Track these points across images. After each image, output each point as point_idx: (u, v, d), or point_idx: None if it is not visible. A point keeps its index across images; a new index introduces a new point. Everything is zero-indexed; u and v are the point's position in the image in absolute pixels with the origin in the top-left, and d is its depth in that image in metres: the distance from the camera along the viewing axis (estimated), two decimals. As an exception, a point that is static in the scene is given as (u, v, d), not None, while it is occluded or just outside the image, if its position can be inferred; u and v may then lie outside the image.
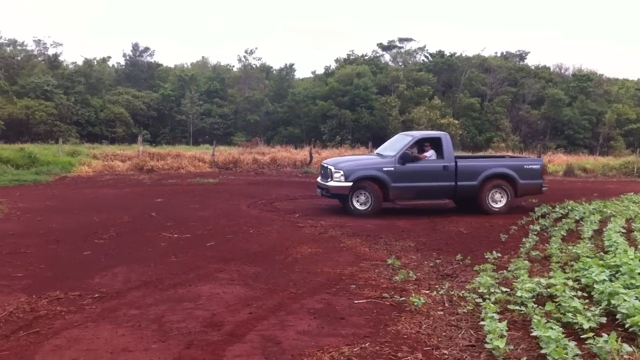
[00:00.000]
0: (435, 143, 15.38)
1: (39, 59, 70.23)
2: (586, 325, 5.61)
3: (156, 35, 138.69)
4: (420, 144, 15.52)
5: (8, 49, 67.18)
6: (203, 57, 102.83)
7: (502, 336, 5.30)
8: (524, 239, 10.89)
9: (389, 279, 8.21)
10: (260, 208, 15.93)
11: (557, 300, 6.49)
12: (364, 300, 7.09)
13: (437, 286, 7.74)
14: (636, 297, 6.19)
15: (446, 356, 5.32)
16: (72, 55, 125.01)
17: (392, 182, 14.80)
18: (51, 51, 70.05)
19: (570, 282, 7.16)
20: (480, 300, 6.86)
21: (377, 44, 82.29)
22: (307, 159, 32.44)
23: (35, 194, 18.88)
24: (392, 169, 14.86)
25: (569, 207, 15.36)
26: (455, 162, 15.07)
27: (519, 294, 6.74)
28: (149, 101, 66.45)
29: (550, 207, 15.31)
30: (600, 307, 6.27)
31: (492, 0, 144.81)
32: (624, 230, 11.66)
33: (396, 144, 15.96)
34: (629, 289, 6.53)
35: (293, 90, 71.08)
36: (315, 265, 9.10)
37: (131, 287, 7.64)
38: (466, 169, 15.20)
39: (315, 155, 33.07)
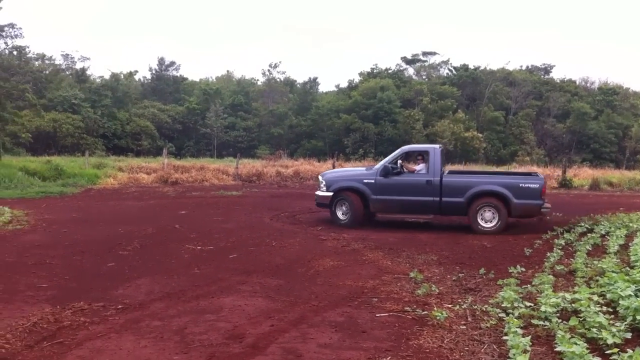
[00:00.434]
0: (425, 156, 15.04)
1: (67, 73, 71.46)
2: (611, 341, 5.53)
3: (163, 41, 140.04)
4: (414, 157, 15.43)
5: (37, 63, 68.31)
6: (228, 71, 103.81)
7: (525, 351, 5.24)
8: (548, 254, 10.76)
9: (411, 292, 8.16)
10: (283, 221, 15.97)
11: (581, 315, 6.40)
12: (386, 314, 7.05)
13: (459, 300, 7.67)
14: (662, 313, 6.10)
15: (468, 371, 5.28)
16: (99, 70, 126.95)
17: (373, 195, 14.88)
18: (79, 65, 71.35)
19: (595, 297, 7.06)
20: (503, 314, 6.79)
21: (401, 58, 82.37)
22: (330, 172, 32.39)
23: (61, 205, 19.11)
24: (373, 181, 14.96)
25: (595, 222, 15.14)
26: (441, 177, 14.57)
27: (543, 308, 6.67)
28: (174, 114, 67.13)
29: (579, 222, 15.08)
30: (626, 323, 6.18)
31: (519, 13, 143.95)
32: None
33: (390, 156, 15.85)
34: (655, 305, 6.43)
35: (317, 103, 71.31)
36: (337, 278, 9.08)
37: (154, 299, 7.68)
38: (452, 184, 14.63)
39: (338, 168, 33.06)
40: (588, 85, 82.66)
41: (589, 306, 6.56)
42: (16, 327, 6.31)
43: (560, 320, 6.32)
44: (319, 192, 15.62)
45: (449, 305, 7.42)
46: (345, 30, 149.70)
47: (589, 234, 13.33)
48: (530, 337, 5.68)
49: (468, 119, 67.78)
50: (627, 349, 5.19)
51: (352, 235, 13.31)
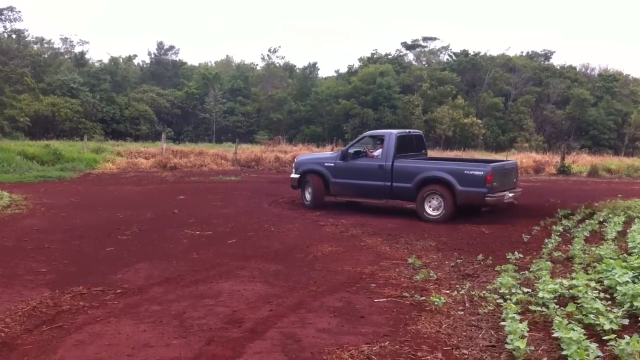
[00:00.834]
0: (382, 142, 15.07)
1: (66, 56, 71.27)
2: (608, 327, 5.56)
3: (160, 32, 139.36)
4: (376, 142, 15.59)
5: (35, 46, 68.07)
6: (227, 55, 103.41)
7: (522, 337, 5.27)
8: (546, 240, 10.77)
9: (409, 278, 8.19)
10: (282, 206, 15.99)
11: (579, 301, 6.42)
12: (384, 299, 7.08)
13: (457, 286, 7.70)
14: (660, 299, 6.13)
15: (466, 356, 5.30)
16: (98, 54, 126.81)
17: (332, 178, 15.32)
18: (77, 49, 71.16)
19: (592, 284, 7.09)
20: (501, 300, 6.81)
21: (401, 43, 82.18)
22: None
23: (60, 190, 19.11)
24: (333, 164, 15.41)
25: (593, 208, 15.13)
26: (392, 162, 14.50)
27: (540, 294, 6.69)
28: (173, 99, 67.00)
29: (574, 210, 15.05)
30: (623, 309, 6.20)
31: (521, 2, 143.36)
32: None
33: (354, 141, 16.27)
34: (652, 291, 6.45)
35: (316, 89, 71.18)
36: (335, 263, 9.11)
37: (153, 283, 7.70)
38: (402, 170, 14.40)
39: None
40: (588, 71, 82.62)
41: (586, 292, 6.59)
42: (15, 311, 6.33)
43: (557, 307, 6.34)
44: (292, 175, 16.47)
45: (447, 291, 7.45)
46: (345, 30, 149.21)
47: (587, 221, 13.35)
48: (527, 322, 5.69)
49: (467, 105, 67.73)
50: (625, 335, 5.20)
51: (350, 221, 13.32)
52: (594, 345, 5.00)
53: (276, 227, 12.39)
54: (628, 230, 11.42)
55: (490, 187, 13.36)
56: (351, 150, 15.20)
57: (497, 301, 6.82)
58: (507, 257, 9.39)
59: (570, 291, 6.91)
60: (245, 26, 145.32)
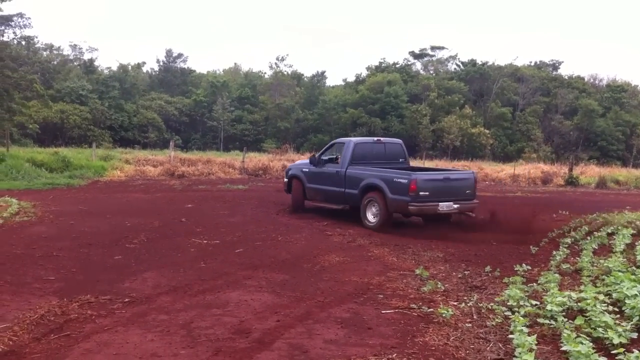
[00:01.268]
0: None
1: (75, 63, 71.64)
2: (617, 341, 5.53)
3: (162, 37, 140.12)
4: (341, 149, 15.82)
5: (45, 53, 68.56)
6: (235, 63, 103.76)
7: (531, 350, 5.25)
8: (554, 252, 10.72)
9: (416, 289, 8.17)
10: (289, 215, 15.99)
11: (587, 314, 6.39)
12: (392, 311, 7.06)
13: (465, 298, 7.67)
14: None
15: (474, 369, 5.29)
16: (107, 61, 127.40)
17: (307, 183, 16.22)
18: (87, 56, 71.60)
19: (601, 297, 7.04)
20: (509, 313, 6.78)
21: (409, 52, 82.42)
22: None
23: (68, 197, 19.18)
24: (307, 170, 16.32)
25: (601, 220, 15.07)
26: (346, 169, 14.82)
27: (548, 307, 6.66)
28: (181, 107, 67.24)
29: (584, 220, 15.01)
30: (632, 323, 6.17)
31: (528, 9, 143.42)
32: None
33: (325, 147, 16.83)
34: (661, 305, 6.42)
35: (324, 97, 71.33)
36: (343, 274, 9.10)
37: (161, 292, 7.71)
38: (351, 176, 14.69)
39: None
40: (596, 82, 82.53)
41: (594, 305, 6.55)
42: (23, 320, 6.35)
43: (566, 320, 6.32)
44: (284, 179, 17.63)
45: (455, 303, 7.42)
46: (347, 31, 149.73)
47: (595, 233, 13.28)
48: (535, 335, 5.67)
49: (475, 114, 67.74)
50: (633, 349, 5.19)
51: (358, 231, 13.31)
52: (602, 359, 4.98)
53: (283, 237, 12.39)
54: (637, 243, 11.36)
55: (415, 196, 13.12)
56: (323, 157, 15.89)
57: (505, 313, 6.79)
58: (515, 269, 9.36)
59: (579, 304, 6.87)
60: (247, 26, 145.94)
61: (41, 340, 5.82)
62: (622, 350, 5.21)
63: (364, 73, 78.21)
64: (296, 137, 67.17)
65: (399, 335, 6.18)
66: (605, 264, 9.33)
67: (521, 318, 6.27)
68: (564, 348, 5.40)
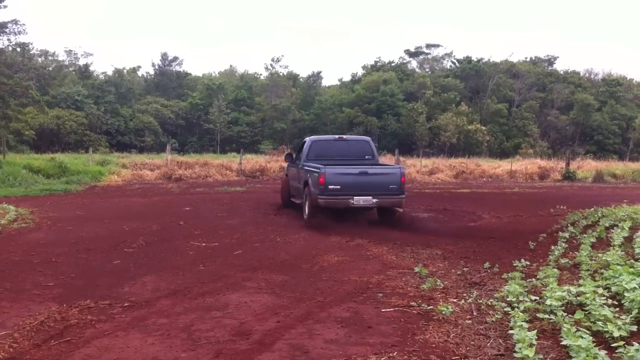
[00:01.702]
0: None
1: (70, 69, 71.68)
2: (616, 334, 5.53)
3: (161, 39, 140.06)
4: None
5: (40, 59, 68.47)
6: (231, 65, 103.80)
7: (531, 345, 5.25)
8: (552, 247, 10.71)
9: (416, 287, 8.17)
10: (287, 216, 15.98)
11: (587, 308, 6.40)
12: (392, 309, 7.07)
13: (465, 295, 7.68)
14: (668, 305, 6.10)
15: (474, 365, 5.29)
16: (102, 65, 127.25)
17: (290, 180, 17.03)
18: (82, 61, 71.63)
19: (600, 290, 7.04)
20: (508, 308, 6.79)
21: (404, 51, 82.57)
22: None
23: (66, 203, 19.15)
24: (289, 167, 17.36)
25: (599, 214, 15.06)
26: (300, 166, 15.34)
27: (548, 302, 6.66)
28: (177, 110, 67.24)
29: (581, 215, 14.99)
30: (631, 316, 6.17)
31: (521, 5, 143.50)
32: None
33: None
34: (660, 297, 6.42)
35: (320, 97, 71.37)
36: (342, 273, 9.10)
37: (160, 296, 7.71)
38: (302, 172, 15.19)
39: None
40: (592, 76, 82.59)
41: (594, 299, 6.56)
42: (23, 326, 6.34)
43: (565, 314, 6.31)
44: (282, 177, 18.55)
45: (454, 300, 7.43)
46: (345, 31, 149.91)
47: (593, 227, 13.30)
48: (535, 330, 5.67)
49: (471, 111, 67.80)
50: (633, 342, 5.19)
51: (356, 231, 13.31)
52: (602, 353, 4.98)
53: (282, 238, 12.40)
54: (635, 236, 11.36)
55: (324, 189, 13.34)
56: (293, 154, 16.80)
57: (505, 309, 6.79)
58: (514, 264, 9.35)
59: (578, 298, 6.88)
60: (245, 27, 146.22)
61: (42, 346, 5.81)
62: (622, 343, 5.21)
63: (360, 72, 78.32)
64: (293, 137, 67.07)
65: (399, 333, 6.18)
66: (603, 258, 9.31)
67: (521, 313, 6.28)
68: (564, 342, 5.40)
